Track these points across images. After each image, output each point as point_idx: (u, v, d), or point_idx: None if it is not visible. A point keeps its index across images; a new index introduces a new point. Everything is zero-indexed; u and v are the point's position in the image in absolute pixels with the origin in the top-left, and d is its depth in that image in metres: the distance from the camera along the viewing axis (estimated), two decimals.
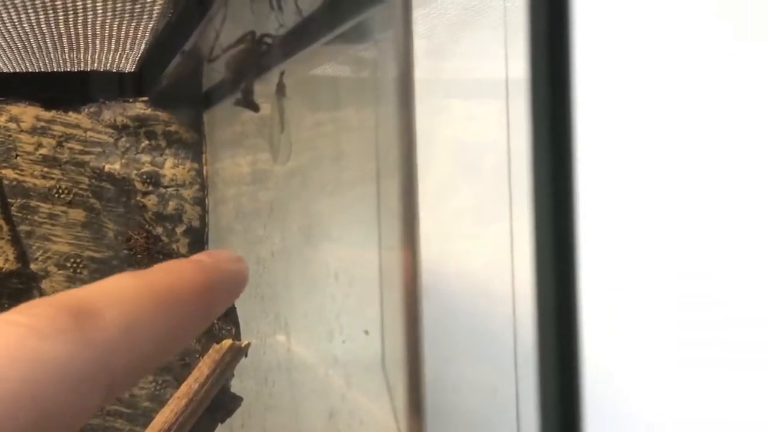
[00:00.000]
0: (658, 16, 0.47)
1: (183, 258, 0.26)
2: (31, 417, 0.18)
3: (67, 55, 0.67)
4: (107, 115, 0.73)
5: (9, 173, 0.72)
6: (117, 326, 0.21)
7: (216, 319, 0.68)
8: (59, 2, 0.51)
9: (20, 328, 0.19)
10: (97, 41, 0.62)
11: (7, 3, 0.50)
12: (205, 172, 0.74)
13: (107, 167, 0.73)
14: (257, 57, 0.45)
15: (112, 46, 0.64)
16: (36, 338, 0.19)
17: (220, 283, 0.25)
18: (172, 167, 0.73)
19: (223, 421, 0.66)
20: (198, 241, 0.74)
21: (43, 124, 0.72)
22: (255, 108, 0.48)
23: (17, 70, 0.72)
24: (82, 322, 0.20)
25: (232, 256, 0.26)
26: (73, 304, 0.20)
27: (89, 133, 0.73)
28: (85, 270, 0.73)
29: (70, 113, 0.73)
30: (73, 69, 0.73)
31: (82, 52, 0.66)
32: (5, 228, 0.71)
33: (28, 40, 0.61)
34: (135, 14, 0.55)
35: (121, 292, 0.22)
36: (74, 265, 0.73)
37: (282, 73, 0.47)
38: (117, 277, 0.23)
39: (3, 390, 0.18)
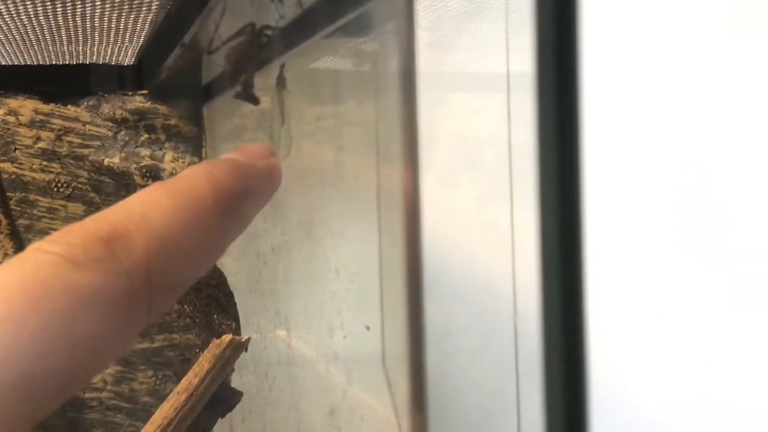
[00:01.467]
0: (668, 7, 0.46)
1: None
2: (68, 348, 0.18)
3: (65, 48, 0.67)
4: (106, 108, 0.73)
5: (7, 167, 0.71)
6: (150, 248, 0.20)
7: (216, 315, 0.68)
8: None
9: (53, 257, 0.19)
10: (96, 34, 0.62)
11: None
12: None
13: (106, 161, 0.72)
14: (257, 49, 0.45)
15: (111, 39, 0.64)
16: (69, 268, 0.18)
17: (253, 184, 0.24)
18: (171, 161, 0.73)
19: (223, 416, 0.65)
20: None
21: (41, 117, 0.72)
22: (255, 101, 0.47)
23: (15, 63, 0.72)
24: (115, 249, 0.19)
25: (264, 151, 0.25)
26: (104, 231, 0.20)
27: (88, 127, 0.72)
28: None
29: (69, 106, 0.72)
30: (71, 62, 0.72)
31: (80, 44, 0.66)
32: (4, 222, 0.71)
33: (27, 32, 0.60)
34: (134, 6, 0.54)
35: (151, 210, 0.21)
36: None
37: (282, 66, 0.47)
38: (146, 192, 0.22)
39: (37, 322, 0.17)
